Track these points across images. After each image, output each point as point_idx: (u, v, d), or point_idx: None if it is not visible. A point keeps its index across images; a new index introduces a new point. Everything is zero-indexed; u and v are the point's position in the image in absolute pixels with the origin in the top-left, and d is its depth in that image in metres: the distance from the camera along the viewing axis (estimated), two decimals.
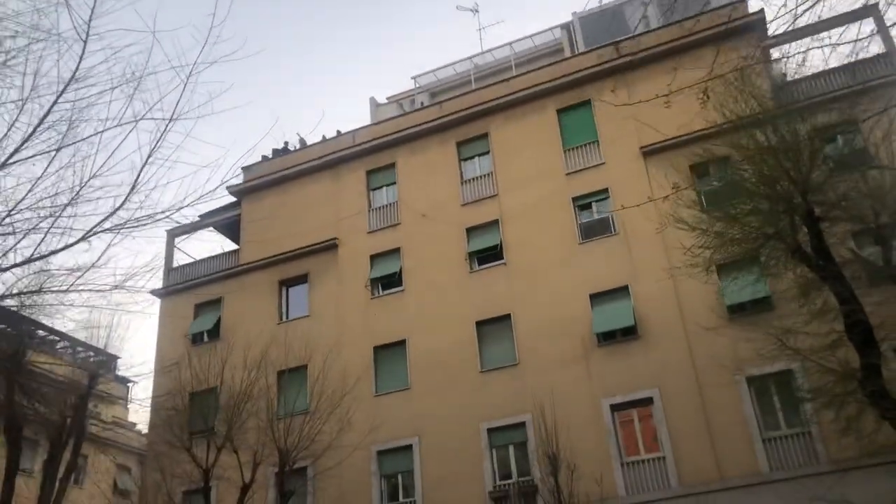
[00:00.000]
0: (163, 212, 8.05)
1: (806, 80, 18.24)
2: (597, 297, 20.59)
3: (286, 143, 28.24)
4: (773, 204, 13.21)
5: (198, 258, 27.49)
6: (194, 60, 8.36)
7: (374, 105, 31.48)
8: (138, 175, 8.00)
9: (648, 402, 18.97)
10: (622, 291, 20.44)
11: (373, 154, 25.85)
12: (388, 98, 32.37)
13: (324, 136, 26.25)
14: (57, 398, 19.00)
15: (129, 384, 33.64)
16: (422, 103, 30.29)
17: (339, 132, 26.28)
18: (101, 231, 7.83)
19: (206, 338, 25.26)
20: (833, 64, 10.64)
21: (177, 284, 26.46)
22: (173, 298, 26.09)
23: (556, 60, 26.01)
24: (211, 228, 28.10)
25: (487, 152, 24.35)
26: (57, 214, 7.82)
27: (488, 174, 23.91)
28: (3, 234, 7.73)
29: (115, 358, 24.95)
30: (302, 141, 28.94)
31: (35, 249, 7.88)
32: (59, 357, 25.43)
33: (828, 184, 13.21)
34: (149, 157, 7.83)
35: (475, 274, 22.52)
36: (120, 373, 26.83)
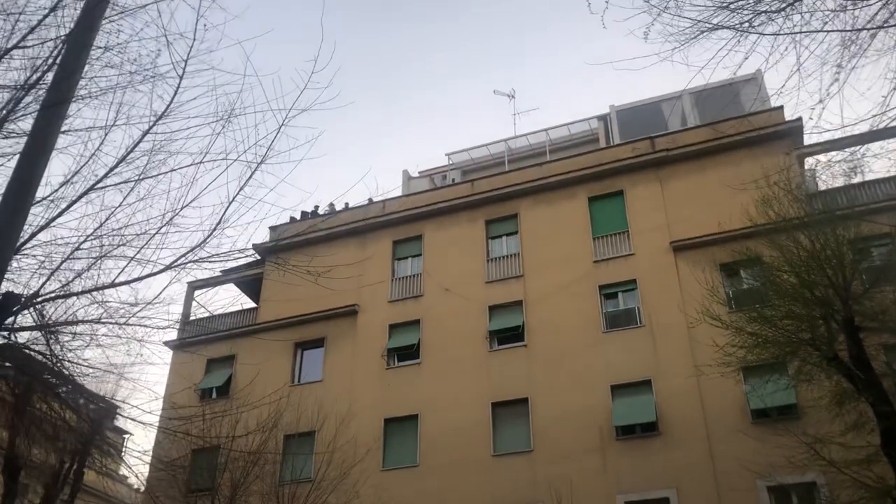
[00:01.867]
0: (240, 250, 8.16)
1: (850, 188, 18.45)
2: (618, 389, 20.24)
3: (316, 206, 28.72)
4: (810, 309, 13.10)
5: (215, 313, 27.52)
6: (291, 105, 8.72)
7: (407, 177, 32.09)
8: (225, 210, 8.19)
9: (665, 502, 18.34)
10: (644, 385, 20.09)
11: (401, 225, 26.19)
12: (420, 172, 33.06)
13: (346, 204, 26.66)
14: (57, 444, 18.65)
15: (126, 436, 32.95)
16: (453, 180, 30.80)
17: (370, 200, 26.73)
18: (187, 263, 7.96)
19: (215, 394, 24.96)
20: (879, 174, 10.75)
21: (191, 337, 26.39)
22: (186, 351, 25.97)
23: (591, 150, 26.58)
24: (231, 284, 28.29)
25: (515, 233, 24.58)
26: (143, 243, 7.95)
27: (515, 254, 24.07)
28: (83, 258, 7.86)
29: (117, 408, 24.59)
30: (331, 206, 29.43)
31: (118, 276, 7.97)
32: (63, 402, 25.09)
33: (867, 294, 13.12)
34: (237, 194, 8.00)
35: (494, 353, 22.32)
36: (121, 423, 26.40)
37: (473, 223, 25.25)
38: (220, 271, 26.01)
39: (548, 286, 22.72)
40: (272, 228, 27.36)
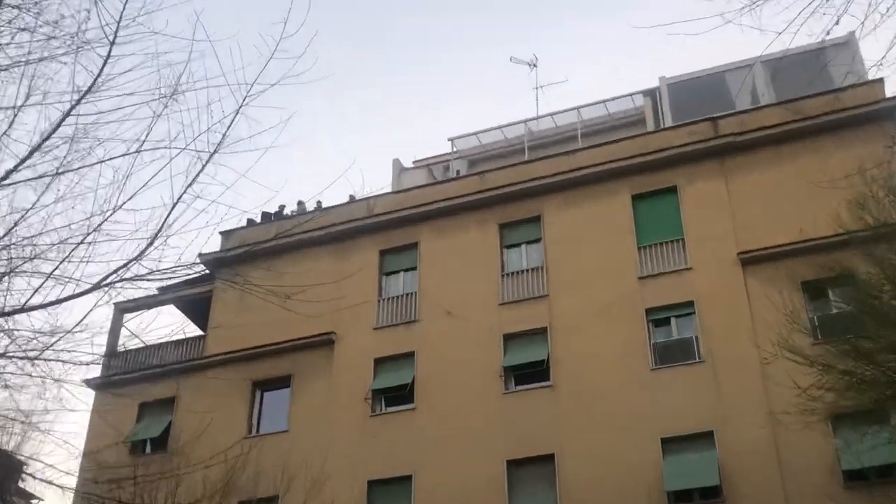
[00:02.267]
0: (188, 265, 8.25)
1: None
2: (671, 443, 20.25)
3: (281, 206, 28.79)
4: None
5: (149, 343, 27.52)
6: (253, 79, 8.82)
7: (398, 169, 32.24)
8: (168, 214, 8.29)
9: None
10: (705, 438, 20.09)
11: (391, 230, 26.32)
12: (415, 162, 33.13)
13: (319, 204, 26.73)
14: None
15: (35, 502, 33.04)
16: (458, 172, 30.97)
17: (351, 198, 26.81)
18: (120, 281, 8.09)
19: (149, 448, 24.94)
20: None
21: (120, 375, 26.35)
22: (114, 392, 25.91)
23: (635, 134, 26.67)
24: (171, 306, 28.35)
25: (538, 240, 24.72)
26: (63, 256, 8.04)
27: (537, 268, 24.18)
28: None
29: (24, 465, 24.58)
30: (300, 205, 29.51)
31: (30, 297, 8.09)
32: None
33: None
34: (183, 192, 8.11)
35: (511, 396, 22.42)
36: (29, 486, 26.40)
37: (484, 228, 25.35)
38: (158, 289, 26.29)
39: (580, 309, 22.79)
40: (225, 234, 27.50)
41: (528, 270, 24.26)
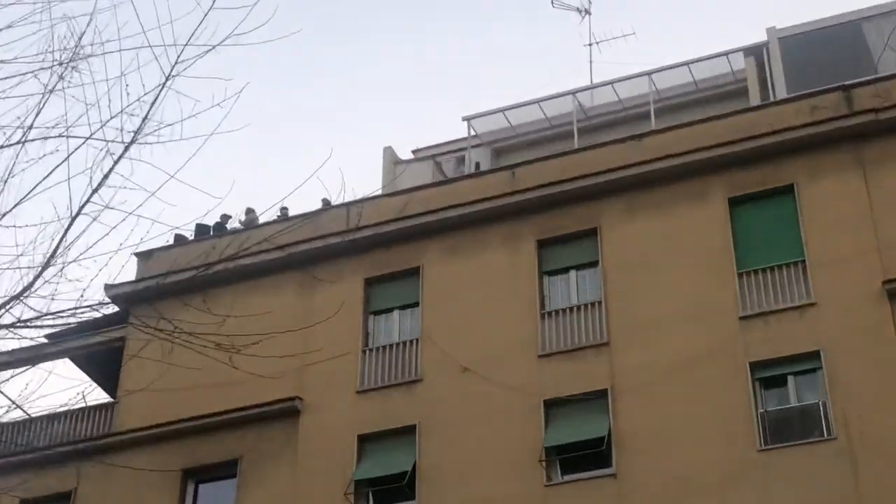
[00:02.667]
0: (93, 305, 8.24)
1: None
2: None
3: (225, 217, 28.81)
4: None
5: (35, 415, 27.50)
6: (186, 39, 8.84)
7: (391, 161, 32.39)
8: (65, 232, 8.36)
9: None
10: None
11: (381, 249, 26.42)
12: (415, 151, 33.14)
13: (284, 212, 26.72)
14: None
15: None
16: (477, 166, 31.02)
17: (325, 203, 26.71)
18: None
19: None
20: None
21: None
22: None
23: (734, 111, 26.60)
24: (67, 360, 28.30)
25: (594, 264, 24.79)
26: None
27: (593, 304, 24.23)
28: None
29: None
30: (250, 212, 29.51)
31: None
32: None
33: None
34: (87, 201, 8.16)
35: (557, 490, 22.42)
36: None
37: (515, 246, 25.42)
38: (48, 337, 26.21)
39: (654, 364, 22.79)
40: (143, 258, 27.52)
41: (579, 307, 24.29)
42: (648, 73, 30.97)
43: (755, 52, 30.39)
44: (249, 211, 29.80)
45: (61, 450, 26.01)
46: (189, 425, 25.48)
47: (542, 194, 25.52)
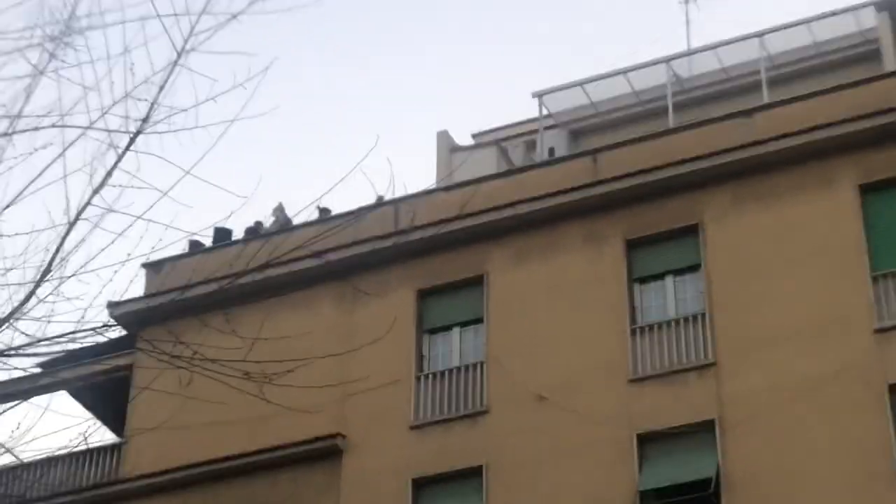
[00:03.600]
0: (96, 328, 8.30)
1: None
2: None
3: (258, 223, 28.99)
4: None
5: (27, 459, 27.73)
6: (201, 8, 8.88)
7: (447, 148, 32.46)
8: (62, 240, 8.43)
9: None
10: None
11: (436, 255, 26.49)
12: (475, 136, 33.10)
13: (323, 212, 26.74)
14: None
15: None
16: (551, 151, 31.03)
17: (379, 199, 26.72)
18: None
19: None
20: None
21: None
22: None
23: (864, 78, 26.43)
24: (65, 393, 28.53)
25: (695, 267, 24.77)
26: None
27: (696, 316, 24.23)
28: None
29: None
30: (279, 215, 29.61)
31: None
32: None
33: None
34: (88, 202, 8.22)
35: None
36: None
37: (600, 247, 25.47)
38: (41, 366, 26.40)
39: (771, 388, 22.69)
40: (152, 269, 27.79)
41: (678, 321, 24.30)
42: (759, 35, 30.66)
43: (889, 7, 30.02)
44: (279, 209, 29.93)
45: (60, 501, 26.20)
46: (211, 470, 25.65)
47: (632, 185, 25.48)
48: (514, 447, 23.93)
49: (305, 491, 25.00)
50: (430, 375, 25.64)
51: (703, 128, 26.28)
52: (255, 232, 29.02)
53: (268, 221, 29.59)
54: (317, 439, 25.11)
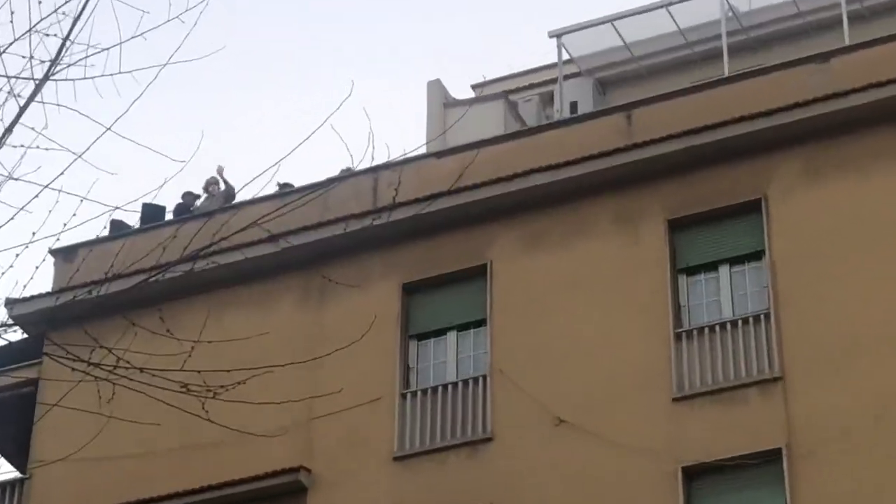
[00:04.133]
0: None
1: None
2: None
3: (190, 196, 28.95)
4: None
5: None
6: None
7: (439, 102, 32.57)
8: None
9: None
10: None
11: (426, 239, 26.63)
12: (475, 87, 33.07)
13: (282, 187, 26.69)
14: None
15: None
16: (573, 107, 31.11)
17: (343, 171, 26.70)
18: None
19: None
20: None
21: None
22: None
23: None
24: None
25: (759, 254, 24.84)
26: None
27: (758, 316, 24.24)
28: None
29: None
30: (220, 188, 29.62)
31: None
32: None
33: None
34: None
35: None
36: None
37: (634, 228, 25.62)
38: None
39: (852, 408, 22.75)
40: (62, 255, 27.84)
41: (735, 323, 24.33)
42: None
43: None
44: (214, 180, 29.91)
45: None
46: None
47: (675, 149, 25.50)
48: (525, 485, 23.93)
49: None
50: (419, 392, 25.68)
51: (767, 76, 26.36)
52: (185, 209, 28.97)
53: (202, 195, 29.63)
54: (274, 473, 25.11)
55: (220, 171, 29.88)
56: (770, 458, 22.82)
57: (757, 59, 29.30)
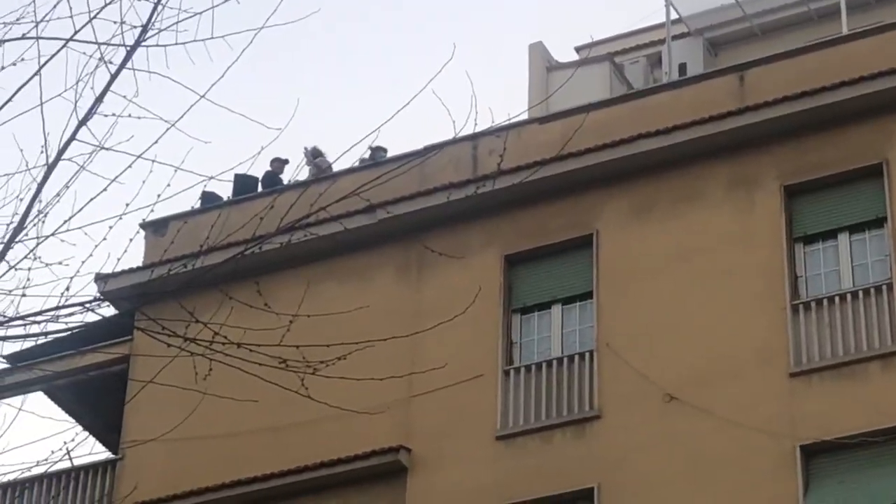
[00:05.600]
0: (78, 304, 9.02)
1: None
2: None
3: (278, 163, 29.10)
4: None
5: None
6: None
7: (542, 66, 32.50)
8: (36, 193, 8.44)
9: None
10: None
11: (529, 209, 26.62)
12: (579, 50, 33.11)
13: (373, 154, 26.74)
14: None
15: None
16: (682, 68, 30.99)
17: (446, 142, 26.74)
18: None
19: None
20: None
21: None
22: None
23: None
24: (40, 394, 28.84)
25: (881, 221, 24.69)
26: None
27: (881, 286, 24.14)
28: None
29: None
30: (316, 159, 29.73)
31: None
32: None
33: None
34: (70, 140, 8.23)
35: None
36: None
37: (748, 195, 25.51)
38: (7, 357, 26.59)
39: None
40: (154, 228, 28.13)
41: (855, 294, 24.19)
42: None
43: None
44: (317, 153, 30.05)
45: None
46: (234, 494, 25.91)
47: (791, 112, 25.31)
48: (633, 464, 23.95)
49: None
50: (522, 368, 25.71)
51: (888, 34, 26.03)
52: (273, 176, 29.09)
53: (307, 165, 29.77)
54: (374, 453, 25.25)
55: (315, 150, 29.98)
56: (894, 436, 22.68)
57: (877, 16, 29.00)
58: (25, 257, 9.89)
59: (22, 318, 9.77)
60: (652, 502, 23.56)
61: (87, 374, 28.30)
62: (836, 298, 24.14)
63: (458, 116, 11.61)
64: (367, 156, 28.62)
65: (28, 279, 9.70)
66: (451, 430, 25.20)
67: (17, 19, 9.72)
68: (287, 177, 30.04)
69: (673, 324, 24.62)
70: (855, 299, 24.02)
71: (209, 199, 27.89)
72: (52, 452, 14.27)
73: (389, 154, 28.08)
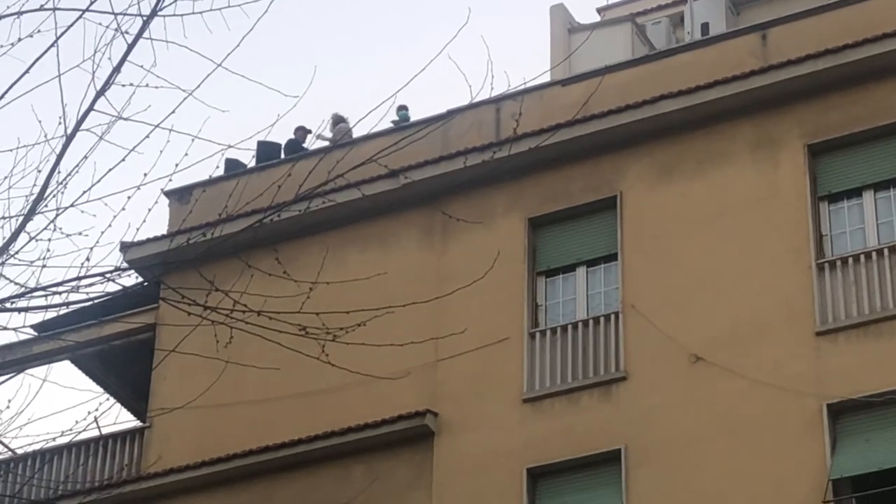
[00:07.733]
0: (101, 274, 9.16)
1: None
2: None
3: (301, 131, 29.08)
4: None
5: (20, 449, 28.17)
6: None
7: (563, 27, 32.36)
8: (55, 164, 8.52)
9: None
10: None
11: (551, 171, 26.59)
12: (601, 11, 32.92)
13: (398, 116, 26.64)
14: None
15: None
16: (704, 28, 30.77)
17: (468, 105, 26.67)
18: None
19: None
20: None
21: None
22: None
23: None
24: (67, 363, 28.91)
25: None
26: None
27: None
28: None
29: None
30: (340, 125, 29.71)
31: None
32: None
33: None
34: (88, 110, 8.30)
35: None
36: None
37: (772, 153, 25.40)
38: (35, 326, 26.67)
39: None
40: (177, 196, 28.20)
41: (880, 252, 24.04)
42: None
43: None
44: (339, 119, 30.01)
45: (70, 499, 26.52)
46: (261, 461, 25.88)
47: (815, 70, 25.17)
48: (660, 424, 23.94)
49: (385, 485, 25.15)
50: (548, 331, 25.69)
51: None
52: (297, 144, 29.08)
53: (321, 135, 29.77)
54: (400, 418, 25.24)
55: (338, 116, 29.99)
56: None
57: None
58: (45, 228, 9.92)
59: (43, 288, 9.81)
60: (679, 463, 23.51)
61: (113, 343, 28.37)
62: (862, 257, 24.00)
63: (481, 80, 11.62)
64: (395, 119, 28.71)
65: (49, 250, 9.74)
66: (478, 394, 25.20)
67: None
68: (309, 144, 30.02)
69: (698, 284, 24.57)
70: (881, 257, 23.87)
71: (233, 167, 27.90)
72: (77, 423, 14.34)
73: (412, 118, 28.06)
